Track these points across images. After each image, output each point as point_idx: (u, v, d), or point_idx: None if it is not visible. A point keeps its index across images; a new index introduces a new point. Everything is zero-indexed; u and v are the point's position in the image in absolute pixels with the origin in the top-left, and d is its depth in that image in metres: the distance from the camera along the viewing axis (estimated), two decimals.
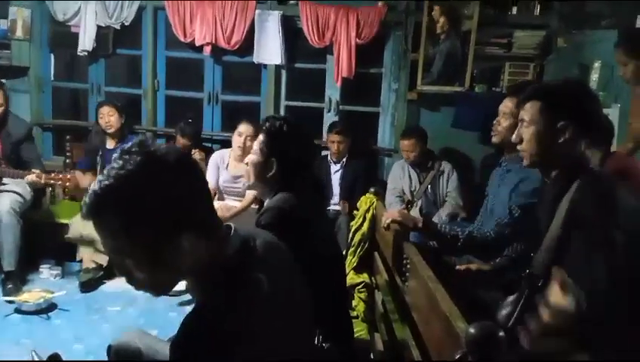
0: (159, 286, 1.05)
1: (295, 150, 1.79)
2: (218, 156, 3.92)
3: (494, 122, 2.28)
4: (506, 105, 2.22)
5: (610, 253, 1.35)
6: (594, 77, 4.16)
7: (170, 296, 3.45)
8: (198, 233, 0.99)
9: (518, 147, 1.67)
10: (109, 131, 4.03)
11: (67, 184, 3.51)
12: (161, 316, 3.14)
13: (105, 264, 3.66)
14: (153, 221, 0.95)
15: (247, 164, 1.85)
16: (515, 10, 4.13)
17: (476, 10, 4.04)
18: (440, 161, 3.97)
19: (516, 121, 1.76)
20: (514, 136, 1.68)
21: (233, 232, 1.07)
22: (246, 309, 0.98)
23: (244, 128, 3.70)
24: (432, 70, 4.19)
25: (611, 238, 1.35)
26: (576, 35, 4.11)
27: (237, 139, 3.72)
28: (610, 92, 4.22)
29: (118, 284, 3.68)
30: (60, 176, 3.50)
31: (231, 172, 3.84)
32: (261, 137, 1.79)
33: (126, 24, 4.41)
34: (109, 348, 1.59)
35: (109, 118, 4.00)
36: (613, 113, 4.24)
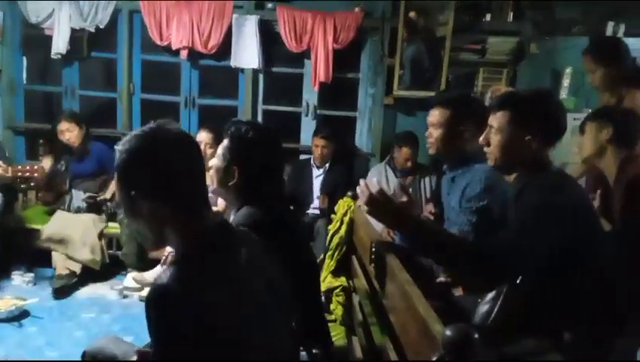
0: (154, 242, 1.32)
1: (260, 157, 1.69)
2: None
3: (426, 134, 2.25)
4: (434, 115, 2.19)
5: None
6: (565, 82, 4.26)
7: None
8: (181, 204, 1.16)
9: (485, 149, 1.77)
10: (71, 146, 3.93)
11: (35, 175, 3.45)
12: (136, 322, 3.10)
13: (78, 270, 3.61)
14: (145, 186, 1.15)
15: (209, 168, 1.76)
16: (488, 16, 4.21)
17: (451, 16, 4.11)
18: (420, 165, 4.01)
19: (447, 130, 2.08)
20: (481, 138, 1.78)
21: (215, 214, 1.24)
22: (215, 285, 1.08)
23: (201, 136, 3.63)
24: (404, 76, 4.24)
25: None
26: (548, 41, 4.21)
27: None
28: (581, 97, 4.33)
29: (92, 290, 3.63)
30: (27, 167, 3.44)
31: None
32: (225, 142, 1.70)
33: (101, 27, 4.35)
34: (84, 353, 1.56)
35: (69, 135, 3.89)
36: (584, 118, 4.33)
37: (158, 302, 1.06)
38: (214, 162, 1.73)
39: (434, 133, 2.18)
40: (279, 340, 1.22)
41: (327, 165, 4.16)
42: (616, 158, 2.29)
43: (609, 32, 4.06)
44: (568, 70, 4.23)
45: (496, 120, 1.70)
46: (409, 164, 3.92)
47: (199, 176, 1.22)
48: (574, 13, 4.19)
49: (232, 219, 1.67)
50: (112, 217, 3.91)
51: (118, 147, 1.18)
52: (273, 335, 1.19)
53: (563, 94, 4.23)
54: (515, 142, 1.66)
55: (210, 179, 1.76)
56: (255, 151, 1.68)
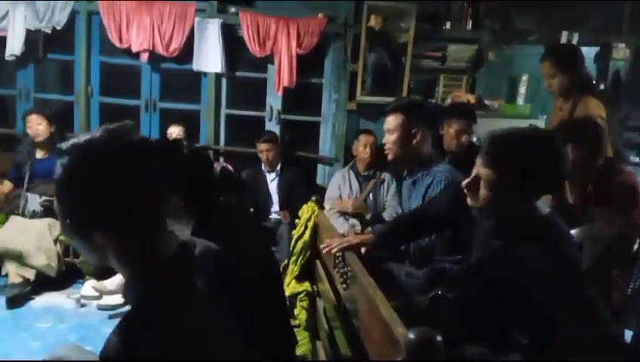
0: (97, 268, 1.10)
1: (191, 181, 1.62)
2: None
3: (383, 142, 2.38)
4: (389, 121, 2.32)
5: None
6: (522, 89, 4.41)
7: (104, 309, 3.35)
8: (137, 227, 1.00)
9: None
10: (37, 140, 3.85)
11: None
12: (93, 331, 2.99)
13: (32, 278, 3.48)
14: (84, 212, 0.97)
15: None
16: (448, 25, 4.30)
17: (412, 24, 4.18)
18: (380, 170, 4.04)
19: (401, 133, 2.27)
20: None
21: (174, 236, 1.08)
22: (181, 313, 0.97)
23: (172, 129, 3.69)
24: (367, 82, 4.29)
25: None
26: (505, 49, 4.34)
27: None
28: (537, 104, 4.48)
29: (48, 299, 3.51)
30: None
31: None
32: None
33: (58, 28, 4.23)
34: None
35: (37, 127, 3.83)
36: (539, 125, 4.49)
37: None
38: None
39: (390, 139, 2.30)
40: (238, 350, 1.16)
41: (278, 168, 4.17)
42: (593, 169, 2.35)
43: (563, 40, 4.21)
44: (525, 77, 4.36)
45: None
46: (369, 155, 3.91)
47: (156, 194, 1.04)
48: (530, 23, 4.32)
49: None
50: None
51: (57, 155, 1.00)
52: (234, 347, 1.14)
53: (520, 101, 4.37)
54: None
55: None
56: (182, 177, 1.60)
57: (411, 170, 2.34)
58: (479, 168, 1.50)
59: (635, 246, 2.39)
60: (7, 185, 3.86)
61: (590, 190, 2.41)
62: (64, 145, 0.99)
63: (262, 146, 4.09)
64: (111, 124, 1.03)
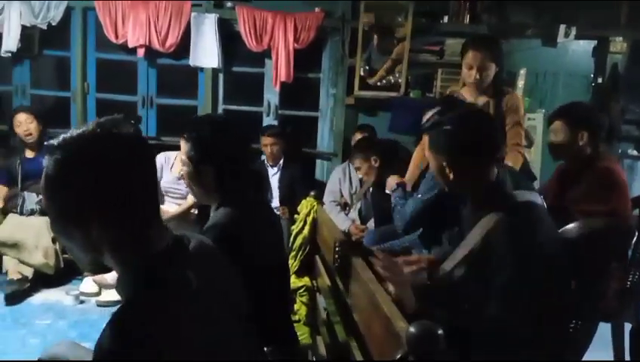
0: (88, 267, 1.08)
1: (226, 152, 1.65)
2: (163, 157, 3.81)
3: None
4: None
5: None
6: (520, 83, 4.40)
7: (103, 306, 3.34)
8: (129, 222, 0.99)
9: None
10: (28, 140, 3.75)
11: None
12: (93, 328, 3.02)
13: (31, 275, 3.48)
14: (76, 207, 0.96)
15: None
16: (446, 19, 4.29)
17: (410, 18, 4.17)
18: None
19: None
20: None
21: (167, 231, 1.07)
22: (173, 308, 0.96)
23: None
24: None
25: None
26: (503, 43, 4.31)
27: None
28: (536, 98, 4.48)
29: (47, 296, 3.51)
30: None
31: (174, 173, 3.73)
32: (187, 146, 1.63)
33: (53, 24, 4.20)
34: (39, 361, 1.51)
35: (27, 126, 3.71)
36: (537, 118, 4.50)
37: None
38: (183, 170, 1.69)
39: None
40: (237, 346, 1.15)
41: (280, 163, 4.15)
42: (586, 154, 2.44)
43: (561, 34, 4.21)
44: (522, 71, 4.36)
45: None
46: None
47: (148, 188, 1.03)
48: (528, 17, 4.32)
49: (211, 219, 1.65)
50: None
51: (47, 151, 0.98)
52: (233, 342, 1.13)
53: (518, 94, 4.37)
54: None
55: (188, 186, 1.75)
56: (220, 147, 1.64)
57: None
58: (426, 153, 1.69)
59: (634, 239, 2.41)
60: (2, 190, 3.79)
61: (576, 172, 2.48)
62: (55, 141, 0.97)
63: (266, 140, 4.07)
64: (98, 120, 1.01)
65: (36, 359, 1.52)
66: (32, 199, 3.71)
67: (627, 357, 2.39)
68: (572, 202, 2.37)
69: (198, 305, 1.02)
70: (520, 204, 1.55)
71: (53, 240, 3.62)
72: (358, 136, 4.01)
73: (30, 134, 3.74)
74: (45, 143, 0.89)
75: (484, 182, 1.59)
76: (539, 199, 1.62)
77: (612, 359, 2.40)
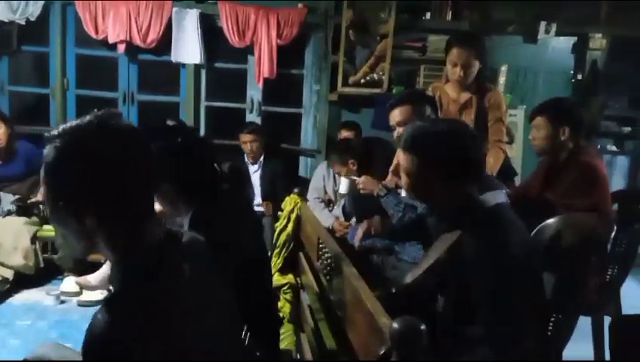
0: (81, 254, 1.10)
1: (188, 168, 1.57)
2: None
3: (396, 134, 2.38)
4: (401, 112, 2.35)
5: None
6: (501, 80, 4.44)
7: (84, 306, 3.30)
8: (119, 217, 1.00)
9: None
10: None
11: None
12: (74, 328, 2.99)
13: (11, 277, 3.42)
14: (76, 194, 0.97)
15: None
16: (428, 15, 4.31)
17: (392, 14, 4.17)
18: None
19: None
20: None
21: (161, 225, 1.08)
22: (164, 300, 0.98)
23: None
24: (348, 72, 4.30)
25: None
26: (484, 40, 4.35)
27: None
28: (517, 94, 4.52)
29: (27, 296, 3.46)
30: None
31: None
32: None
33: (32, 19, 4.13)
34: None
35: None
36: (519, 114, 4.55)
37: (98, 354, 0.92)
38: None
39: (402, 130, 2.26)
40: (229, 355, 1.17)
41: (261, 160, 4.14)
42: (567, 148, 2.48)
43: (542, 31, 4.25)
44: (504, 68, 4.40)
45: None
46: None
47: (144, 180, 1.04)
48: (509, 14, 4.36)
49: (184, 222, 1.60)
50: (45, 220, 3.72)
51: (46, 141, 1.00)
52: (224, 353, 1.14)
53: (500, 91, 4.40)
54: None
55: None
56: (178, 165, 1.56)
57: None
58: (399, 155, 1.63)
59: (612, 234, 2.45)
60: None
61: (558, 167, 2.51)
62: (55, 130, 1.00)
63: (245, 137, 4.06)
64: (96, 112, 1.02)
65: (21, 359, 1.50)
66: (7, 199, 3.63)
67: (606, 350, 2.43)
68: (554, 196, 2.40)
69: (189, 298, 1.04)
70: (484, 214, 1.50)
71: (32, 241, 3.56)
72: (344, 133, 4.01)
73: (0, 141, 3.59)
74: (45, 134, 0.91)
75: (453, 194, 1.53)
76: (503, 197, 1.57)
77: (592, 351, 2.43)
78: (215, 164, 1.80)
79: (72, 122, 1.01)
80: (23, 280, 3.52)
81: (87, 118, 1.00)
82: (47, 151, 0.99)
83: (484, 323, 1.37)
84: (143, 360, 0.91)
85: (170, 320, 0.97)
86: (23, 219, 3.60)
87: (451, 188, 1.52)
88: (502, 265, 1.39)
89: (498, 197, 1.55)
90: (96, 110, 1.02)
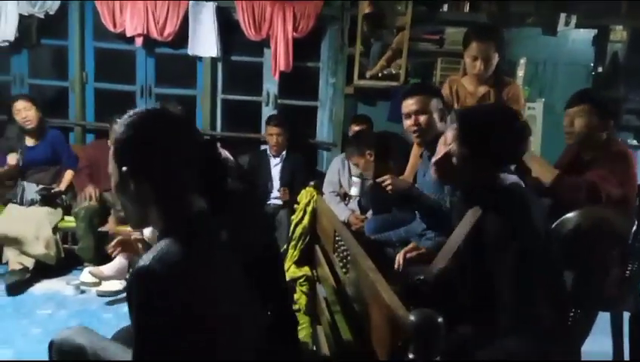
0: (136, 221, 1.26)
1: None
2: None
3: (408, 123, 2.40)
4: (417, 102, 2.36)
5: None
6: (520, 73, 4.39)
7: (103, 296, 3.35)
8: (170, 188, 1.18)
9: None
10: (28, 127, 3.77)
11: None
12: (95, 317, 3.02)
13: (32, 266, 3.49)
14: (138, 163, 1.16)
15: None
16: (445, 7, 4.27)
17: (409, 6, 4.14)
18: None
19: (426, 116, 2.32)
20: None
21: (197, 202, 1.23)
22: (203, 266, 1.11)
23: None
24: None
25: None
26: (503, 32, 4.30)
27: None
28: (535, 87, 4.46)
29: (48, 286, 3.52)
30: None
31: None
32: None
33: (51, 13, 4.18)
34: (51, 343, 1.51)
35: (26, 113, 3.74)
36: (537, 107, 4.49)
37: (142, 282, 1.05)
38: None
39: (421, 119, 2.35)
40: (254, 325, 1.27)
41: (284, 153, 4.15)
42: (602, 139, 2.43)
43: (561, 23, 4.19)
44: (522, 60, 4.35)
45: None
46: None
47: (193, 163, 1.21)
48: (527, 6, 4.30)
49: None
50: (67, 210, 3.79)
51: (119, 121, 1.20)
52: (249, 320, 1.24)
53: (518, 84, 4.35)
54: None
55: None
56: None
57: (430, 148, 2.33)
58: (451, 144, 1.61)
59: (634, 228, 2.41)
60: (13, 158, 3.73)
61: (590, 157, 2.46)
62: (127, 113, 1.20)
63: (272, 130, 4.07)
64: (107, 110, 1.16)
65: (48, 342, 1.53)
66: (31, 189, 3.71)
67: (626, 345, 2.41)
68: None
69: (223, 267, 1.20)
70: (503, 190, 1.54)
71: (54, 231, 3.63)
72: (354, 127, 4.00)
73: (29, 121, 3.75)
74: (114, 118, 1.20)
75: (488, 176, 1.57)
76: (515, 178, 1.60)
77: (611, 346, 2.41)
78: (221, 163, 1.80)
79: (142, 108, 1.24)
80: (44, 269, 3.58)
81: (152, 106, 1.18)
82: (119, 127, 1.18)
83: (508, 297, 1.40)
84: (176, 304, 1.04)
85: (205, 288, 1.10)
86: (46, 209, 3.66)
87: (490, 171, 1.56)
88: (531, 234, 1.44)
89: (510, 177, 1.59)
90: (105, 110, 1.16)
